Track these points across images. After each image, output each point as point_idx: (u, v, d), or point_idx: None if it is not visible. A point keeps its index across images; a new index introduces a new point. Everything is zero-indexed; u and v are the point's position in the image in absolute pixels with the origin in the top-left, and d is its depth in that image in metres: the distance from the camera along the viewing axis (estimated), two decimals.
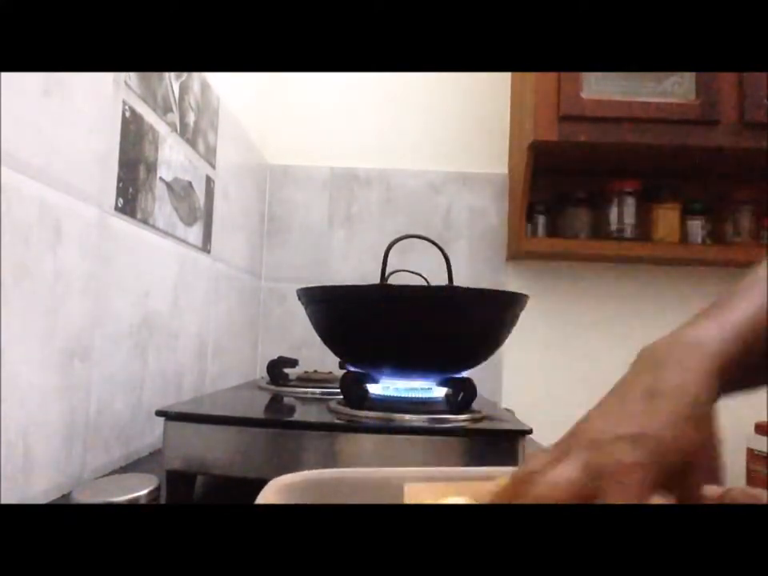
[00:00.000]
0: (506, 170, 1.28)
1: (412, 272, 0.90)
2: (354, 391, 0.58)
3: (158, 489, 0.38)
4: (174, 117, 0.75)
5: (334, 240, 1.29)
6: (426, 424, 0.52)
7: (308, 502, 0.33)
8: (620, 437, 0.27)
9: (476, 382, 0.58)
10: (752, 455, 1.08)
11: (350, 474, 0.37)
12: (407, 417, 0.53)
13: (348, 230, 1.29)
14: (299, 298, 0.67)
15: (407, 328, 0.58)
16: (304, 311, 0.67)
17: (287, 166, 1.30)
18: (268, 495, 0.31)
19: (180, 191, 0.78)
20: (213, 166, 0.91)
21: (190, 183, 0.81)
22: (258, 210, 1.24)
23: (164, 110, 0.71)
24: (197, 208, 0.85)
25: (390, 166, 1.29)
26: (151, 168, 0.68)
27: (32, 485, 0.48)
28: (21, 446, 0.46)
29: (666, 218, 1.15)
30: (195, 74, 0.82)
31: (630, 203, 1.16)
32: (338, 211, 1.29)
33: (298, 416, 0.61)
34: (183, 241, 0.79)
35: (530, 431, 0.50)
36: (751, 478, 1.07)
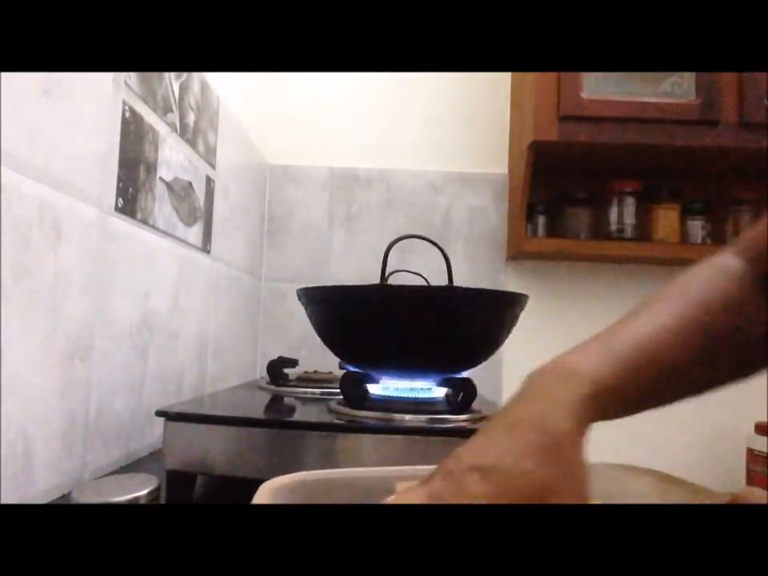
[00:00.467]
0: (505, 170, 1.28)
1: (412, 272, 0.90)
2: (353, 391, 0.58)
3: (157, 489, 0.38)
4: (174, 117, 0.75)
5: (334, 240, 1.28)
6: (425, 424, 0.52)
7: (305, 502, 0.33)
8: (472, 467, 0.27)
9: (476, 382, 0.58)
10: (752, 455, 1.08)
11: (342, 474, 0.37)
12: (407, 417, 0.53)
13: (348, 230, 1.28)
14: (299, 298, 0.67)
15: (407, 328, 0.58)
16: (304, 311, 0.67)
17: (287, 165, 1.30)
18: (261, 498, 0.31)
19: (180, 191, 0.78)
20: (213, 166, 0.91)
21: (189, 183, 0.81)
22: (258, 209, 1.24)
23: (164, 110, 0.71)
24: (197, 208, 0.85)
25: (390, 166, 1.29)
26: (151, 168, 0.68)
27: (32, 485, 0.48)
28: (21, 445, 0.46)
29: (666, 218, 1.15)
30: (195, 74, 0.82)
31: (630, 203, 1.16)
32: (337, 211, 1.29)
33: (297, 416, 0.61)
34: (183, 241, 0.79)
35: None
36: (751, 478, 1.07)
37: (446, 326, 0.58)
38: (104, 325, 0.59)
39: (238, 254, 1.10)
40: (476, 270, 1.27)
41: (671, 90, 1.03)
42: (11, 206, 0.44)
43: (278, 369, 0.81)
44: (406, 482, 0.32)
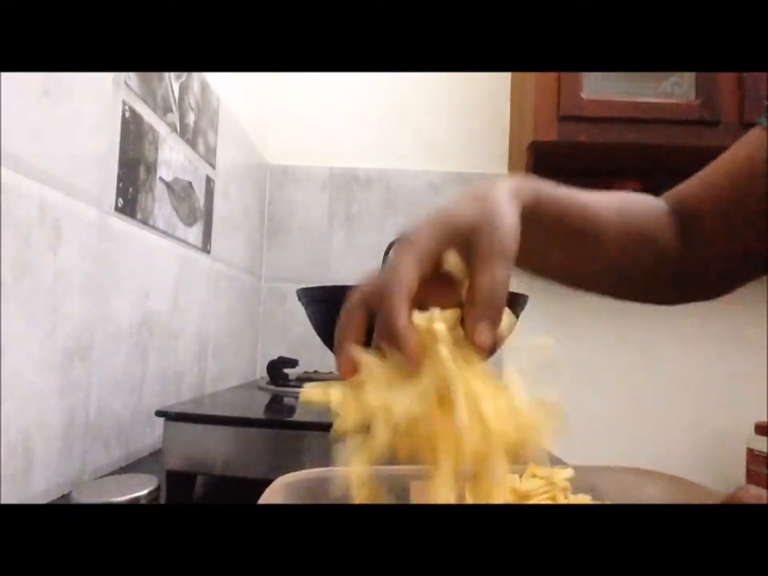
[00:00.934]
0: (505, 170, 1.28)
1: None
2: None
3: (157, 489, 0.38)
4: (174, 117, 0.75)
5: (334, 240, 1.29)
6: None
7: (312, 501, 0.33)
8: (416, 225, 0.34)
9: None
10: (752, 455, 1.08)
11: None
12: None
13: (348, 230, 1.29)
14: (299, 298, 0.67)
15: None
16: (304, 311, 0.67)
17: (287, 166, 1.30)
18: (272, 493, 0.32)
19: (180, 191, 0.78)
20: (213, 166, 0.91)
21: (189, 183, 0.81)
22: (258, 209, 1.24)
23: (164, 110, 0.71)
24: (197, 208, 0.85)
25: (390, 166, 1.29)
26: (151, 168, 0.68)
27: (32, 485, 0.48)
28: (21, 446, 0.46)
29: None
30: (195, 74, 0.82)
31: None
32: (337, 211, 1.29)
33: (297, 416, 0.61)
34: (183, 241, 0.79)
35: None
36: (751, 478, 1.07)
37: None
38: (104, 325, 0.59)
39: (238, 254, 1.10)
40: None
41: (671, 89, 1.03)
42: (11, 206, 0.44)
43: (277, 369, 0.81)
44: (420, 480, 0.32)
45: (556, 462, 0.38)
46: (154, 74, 0.68)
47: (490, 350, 0.30)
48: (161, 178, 0.71)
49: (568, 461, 0.43)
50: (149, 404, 0.70)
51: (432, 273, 0.32)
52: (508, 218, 0.32)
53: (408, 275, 0.31)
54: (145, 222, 0.67)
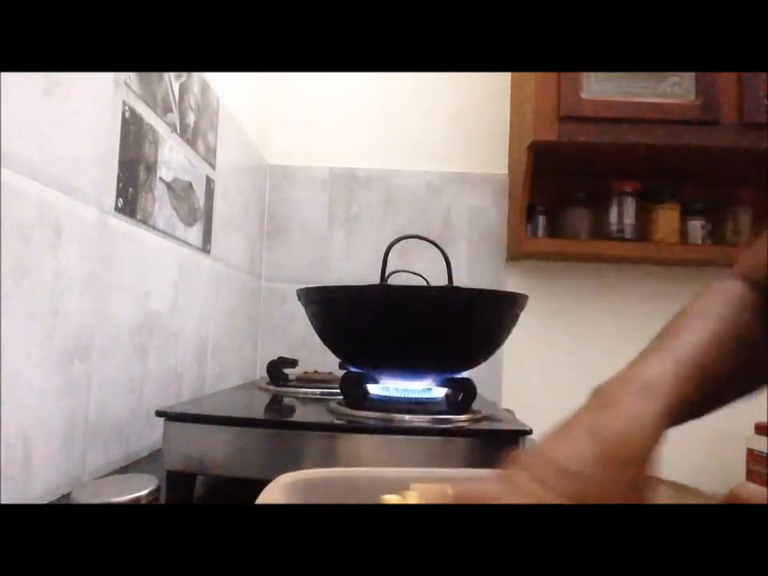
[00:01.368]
0: (506, 170, 1.28)
1: (412, 272, 0.90)
2: (353, 391, 0.58)
3: (157, 489, 0.38)
4: (174, 117, 0.75)
5: (334, 240, 1.28)
6: (426, 424, 0.52)
7: (311, 501, 0.33)
8: (563, 470, 0.29)
9: (476, 381, 0.58)
10: (752, 455, 1.08)
11: (355, 473, 0.37)
12: (407, 417, 0.53)
13: (348, 230, 1.29)
14: (299, 299, 0.67)
15: (407, 328, 0.58)
16: (304, 311, 0.67)
17: (287, 166, 1.30)
18: (271, 493, 0.31)
19: (180, 192, 0.78)
20: (213, 167, 0.91)
21: (189, 184, 0.81)
22: (258, 210, 1.24)
23: (164, 110, 0.71)
24: (197, 208, 0.85)
25: (390, 167, 1.29)
26: (151, 168, 0.68)
27: (32, 485, 0.48)
28: (21, 446, 0.46)
29: (666, 218, 1.15)
30: (195, 75, 0.82)
31: (630, 203, 1.16)
32: (337, 211, 1.29)
33: (297, 416, 0.61)
34: (183, 241, 0.79)
35: (530, 431, 0.50)
36: (751, 478, 1.07)
37: (446, 326, 0.58)
38: (104, 325, 0.59)
39: (238, 254, 1.10)
40: (476, 270, 1.27)
41: (671, 90, 1.03)
42: (11, 206, 0.44)
43: (277, 369, 0.81)
44: (420, 483, 0.32)
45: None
46: (154, 74, 0.68)
47: None
48: (161, 178, 0.71)
49: None
50: (149, 404, 0.70)
51: None
52: (648, 489, 0.30)
53: None
54: (145, 222, 0.67)
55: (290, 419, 0.58)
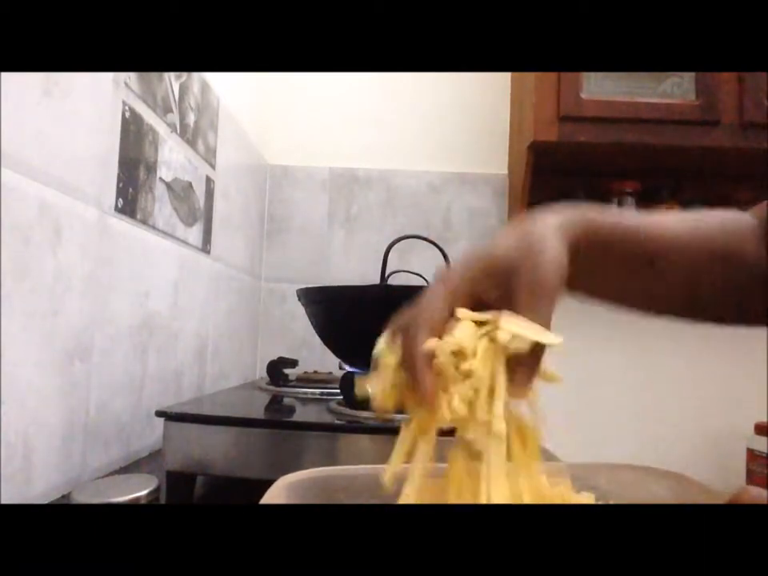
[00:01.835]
0: (505, 170, 1.28)
1: (412, 272, 0.90)
2: (353, 391, 0.58)
3: (157, 489, 0.38)
4: (174, 117, 0.75)
5: (334, 240, 1.29)
6: None
7: (315, 500, 0.33)
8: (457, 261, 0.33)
9: None
10: (752, 455, 1.08)
11: (360, 471, 0.37)
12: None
13: (348, 230, 1.29)
14: (299, 299, 0.67)
15: None
16: (304, 311, 0.67)
17: (287, 166, 1.30)
18: (275, 493, 0.32)
19: (180, 192, 0.78)
20: (213, 167, 0.91)
21: (189, 184, 0.81)
22: (258, 210, 1.24)
23: (164, 110, 0.71)
24: (197, 208, 0.85)
25: (390, 167, 1.29)
26: (151, 168, 0.68)
27: (32, 485, 0.48)
28: (21, 446, 0.46)
29: None
30: (195, 75, 0.82)
31: (630, 203, 1.16)
32: (337, 211, 1.29)
33: (297, 416, 0.61)
34: (183, 241, 0.79)
35: None
36: (751, 478, 1.07)
37: None
38: (104, 325, 0.59)
39: (238, 254, 1.10)
40: None
41: (671, 89, 1.03)
42: (11, 206, 0.44)
43: (277, 369, 0.81)
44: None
45: (553, 460, 0.38)
46: (154, 74, 0.68)
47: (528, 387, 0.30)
48: (161, 179, 0.71)
49: (569, 460, 0.43)
50: (149, 404, 0.70)
51: (469, 306, 0.32)
52: (552, 254, 0.32)
53: (434, 311, 0.31)
54: (145, 223, 0.67)
55: (290, 419, 0.58)
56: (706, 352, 1.23)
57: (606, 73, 1.03)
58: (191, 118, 0.81)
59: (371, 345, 0.58)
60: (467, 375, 0.29)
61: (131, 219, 0.63)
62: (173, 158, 0.74)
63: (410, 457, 0.31)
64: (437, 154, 1.29)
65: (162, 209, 0.72)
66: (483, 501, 0.28)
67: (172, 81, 0.74)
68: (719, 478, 1.19)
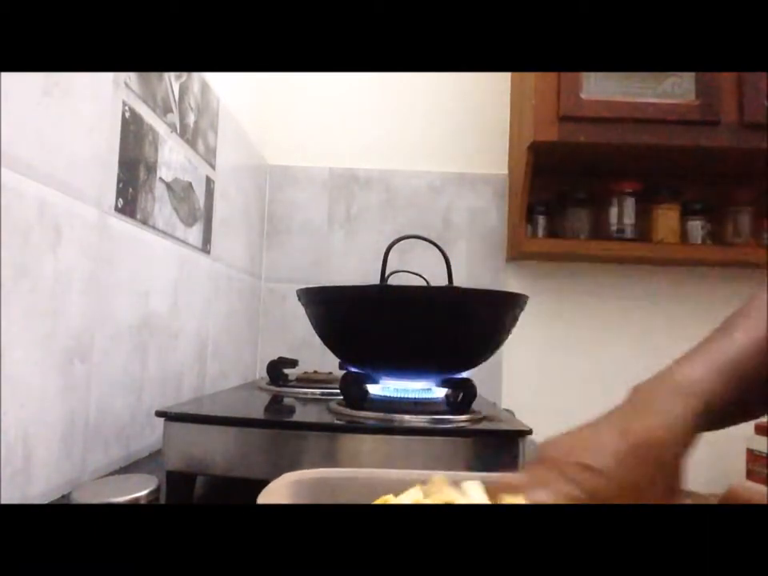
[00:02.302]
0: (505, 171, 1.28)
1: (412, 272, 0.90)
2: (353, 392, 0.58)
3: (157, 489, 0.38)
4: (174, 117, 0.75)
5: (334, 240, 1.28)
6: (425, 425, 0.52)
7: (313, 500, 0.33)
8: (583, 465, 0.29)
9: (476, 382, 0.58)
10: (752, 455, 1.08)
11: (357, 473, 0.37)
12: (407, 417, 0.53)
13: (348, 231, 1.28)
14: (299, 299, 0.67)
15: (407, 328, 0.58)
16: (304, 311, 0.67)
17: (287, 166, 1.30)
18: (273, 492, 0.31)
19: (180, 192, 0.78)
20: (213, 167, 0.91)
21: (189, 184, 0.81)
22: (258, 210, 1.24)
23: (164, 110, 0.71)
24: (197, 209, 0.85)
25: (390, 167, 1.29)
26: (151, 168, 0.68)
27: (32, 485, 0.48)
28: (21, 446, 0.46)
29: (666, 219, 1.15)
30: (195, 75, 0.82)
31: (630, 203, 1.16)
32: (337, 211, 1.29)
33: (297, 416, 0.61)
34: (183, 241, 0.79)
35: (529, 431, 0.50)
36: (751, 478, 1.07)
37: (446, 326, 0.58)
38: (104, 325, 0.59)
39: (238, 254, 1.10)
40: (476, 270, 1.27)
41: (671, 89, 1.03)
42: (11, 206, 0.44)
43: (277, 369, 0.81)
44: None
45: None
46: (154, 74, 0.68)
47: None
48: (161, 179, 0.71)
49: None
50: (149, 404, 0.70)
51: None
52: (680, 490, 0.30)
53: None
54: (145, 223, 0.67)
55: (290, 419, 0.58)
56: None
57: (606, 73, 1.03)
58: (191, 118, 0.81)
59: (371, 345, 0.58)
60: None
61: (131, 219, 0.63)
62: (173, 158, 0.74)
63: None
64: (437, 154, 1.29)
65: (162, 209, 0.72)
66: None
67: (172, 81, 0.74)
68: (719, 478, 1.19)
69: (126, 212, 0.62)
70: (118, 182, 0.60)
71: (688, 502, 0.31)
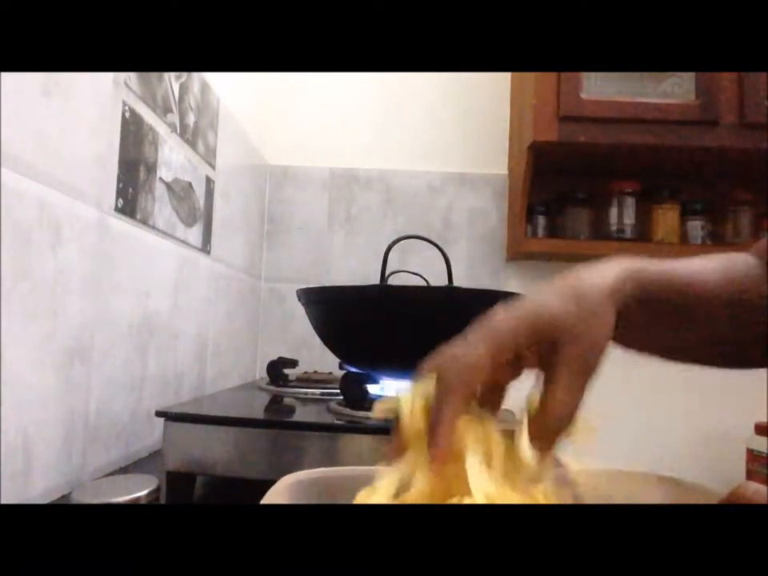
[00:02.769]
0: (505, 171, 1.28)
1: (412, 272, 0.90)
2: (353, 392, 0.58)
3: (157, 489, 0.38)
4: (174, 117, 0.75)
5: (334, 240, 1.28)
6: None
7: (316, 500, 0.33)
8: (501, 307, 0.33)
9: None
10: (752, 455, 1.08)
11: (361, 472, 0.37)
12: None
13: (348, 231, 1.28)
14: (299, 299, 0.67)
15: (407, 328, 0.58)
16: (304, 311, 0.67)
17: (287, 166, 1.30)
18: (277, 492, 0.31)
19: (180, 192, 0.78)
20: (213, 167, 0.91)
21: (189, 184, 0.81)
22: (258, 210, 1.24)
23: (164, 110, 0.71)
24: (197, 209, 0.85)
25: (390, 167, 1.29)
26: (151, 169, 0.68)
27: (32, 485, 0.48)
28: (21, 446, 0.46)
29: (666, 219, 1.15)
30: (195, 75, 0.82)
31: (630, 203, 1.16)
32: (337, 212, 1.29)
33: (297, 416, 0.61)
34: (183, 241, 0.79)
35: None
36: (751, 478, 1.07)
37: (446, 327, 0.58)
38: (104, 325, 0.59)
39: (238, 255, 1.10)
40: (476, 270, 1.27)
41: (671, 89, 1.03)
42: (11, 206, 0.44)
43: (277, 369, 0.81)
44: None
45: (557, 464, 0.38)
46: (154, 74, 0.68)
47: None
48: (161, 179, 0.71)
49: (569, 461, 0.43)
50: (149, 404, 0.70)
51: (509, 359, 0.32)
52: (601, 331, 0.31)
53: (477, 370, 0.30)
54: (145, 223, 0.67)
55: (290, 419, 0.58)
56: None
57: (605, 73, 1.03)
58: (191, 118, 0.81)
59: (371, 345, 0.58)
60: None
61: (131, 219, 0.63)
62: (173, 158, 0.74)
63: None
64: (437, 154, 1.29)
65: (162, 209, 0.72)
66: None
67: (172, 81, 0.74)
68: (719, 478, 1.19)
69: (126, 212, 0.62)
70: (118, 182, 0.60)
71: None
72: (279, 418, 0.60)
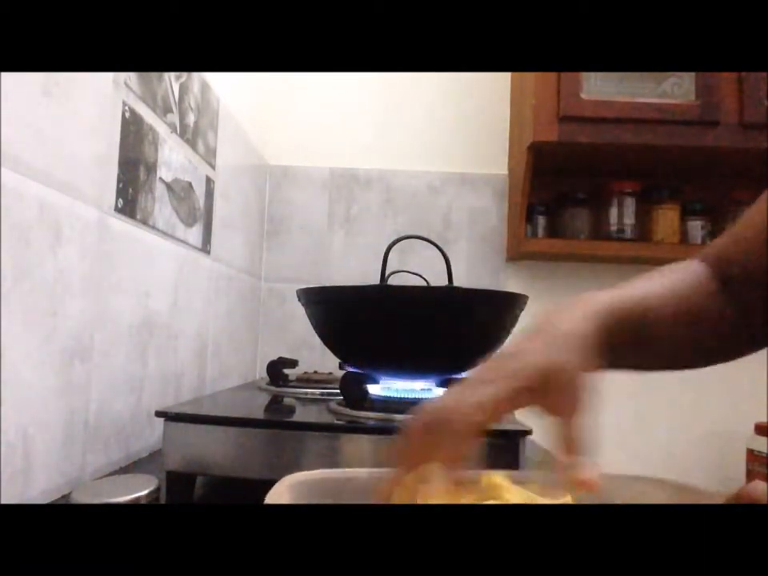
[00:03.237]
0: (505, 171, 1.28)
1: (412, 272, 0.90)
2: (353, 392, 0.58)
3: (157, 490, 0.38)
4: (174, 117, 0.75)
5: (334, 240, 1.28)
6: None
7: (315, 500, 0.33)
8: (498, 356, 0.34)
9: None
10: (752, 455, 1.08)
11: (361, 474, 0.37)
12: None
13: (348, 231, 1.28)
14: (299, 299, 0.67)
15: (407, 328, 0.58)
16: (304, 311, 0.67)
17: (287, 166, 1.30)
18: (278, 493, 0.31)
19: (180, 192, 0.78)
20: (213, 167, 0.91)
21: (189, 184, 0.81)
22: (258, 210, 1.24)
23: (164, 110, 0.71)
24: (197, 209, 0.85)
25: (390, 167, 1.29)
26: (151, 169, 0.68)
27: (32, 485, 0.48)
28: (21, 446, 0.46)
29: (666, 219, 1.15)
30: (195, 75, 0.82)
31: (630, 203, 1.16)
32: (337, 212, 1.29)
33: (297, 417, 0.61)
34: (183, 241, 0.79)
35: (530, 431, 0.50)
36: (751, 478, 1.07)
37: (446, 327, 0.58)
38: (104, 325, 0.59)
39: (238, 255, 1.10)
40: (476, 270, 1.27)
41: (671, 90, 1.03)
42: (11, 206, 0.44)
43: (277, 369, 0.81)
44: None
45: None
46: (154, 74, 0.68)
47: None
48: (161, 179, 0.71)
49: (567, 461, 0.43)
50: (149, 404, 0.70)
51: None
52: (585, 368, 0.33)
53: (471, 427, 0.31)
54: (145, 223, 0.67)
55: (290, 419, 0.58)
56: None
57: (605, 73, 1.03)
58: (191, 118, 0.81)
59: (371, 345, 0.58)
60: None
61: (131, 219, 0.63)
62: (173, 158, 0.74)
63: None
64: (437, 154, 1.29)
65: (162, 209, 0.72)
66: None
67: (172, 81, 0.74)
68: (719, 478, 1.19)
69: (126, 212, 0.62)
70: (118, 182, 0.60)
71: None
72: (279, 418, 0.60)
